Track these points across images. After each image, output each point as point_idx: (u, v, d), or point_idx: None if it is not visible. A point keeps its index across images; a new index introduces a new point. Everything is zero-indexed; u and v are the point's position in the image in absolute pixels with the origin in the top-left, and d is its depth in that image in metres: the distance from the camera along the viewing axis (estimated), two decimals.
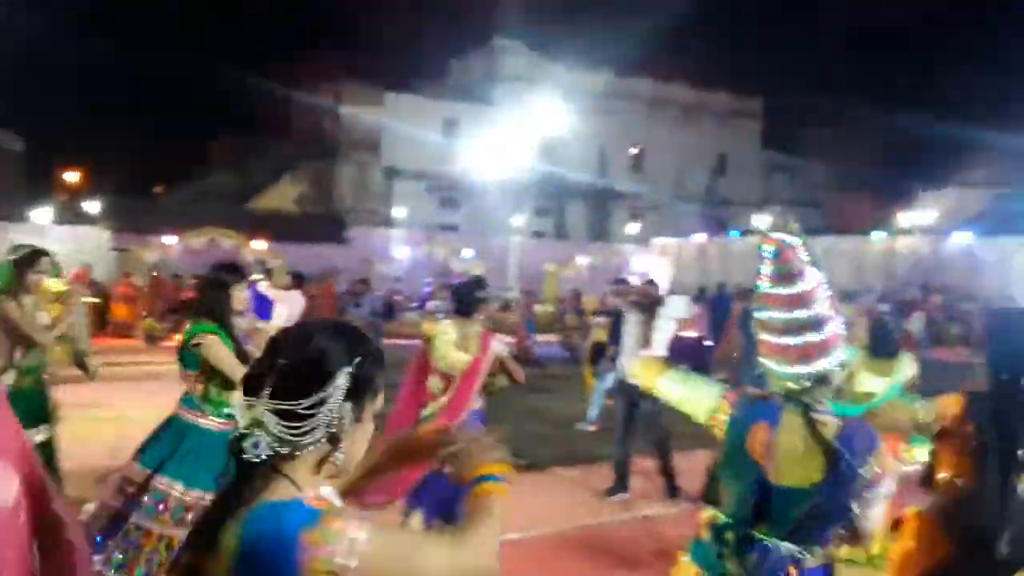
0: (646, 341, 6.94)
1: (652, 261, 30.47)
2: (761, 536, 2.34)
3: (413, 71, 38.06)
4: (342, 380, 1.48)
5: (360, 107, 35.29)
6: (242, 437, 1.44)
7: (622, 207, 39.96)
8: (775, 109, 44.08)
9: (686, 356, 7.09)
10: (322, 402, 1.45)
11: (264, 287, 10.23)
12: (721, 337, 12.58)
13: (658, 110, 40.82)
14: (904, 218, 28.32)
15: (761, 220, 32.42)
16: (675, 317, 7.21)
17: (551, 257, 25.72)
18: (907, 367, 4.88)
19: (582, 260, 25.43)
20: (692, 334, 12.35)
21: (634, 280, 11.78)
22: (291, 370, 1.46)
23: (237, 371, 3.89)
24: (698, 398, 2.59)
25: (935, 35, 54.77)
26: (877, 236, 26.52)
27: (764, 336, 2.45)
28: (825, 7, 51.70)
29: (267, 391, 1.44)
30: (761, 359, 2.46)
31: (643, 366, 2.89)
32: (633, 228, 36.52)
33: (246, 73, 33.06)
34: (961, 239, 24.59)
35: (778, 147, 45.13)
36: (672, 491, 6.85)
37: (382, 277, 23.09)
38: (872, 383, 4.73)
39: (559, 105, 37.41)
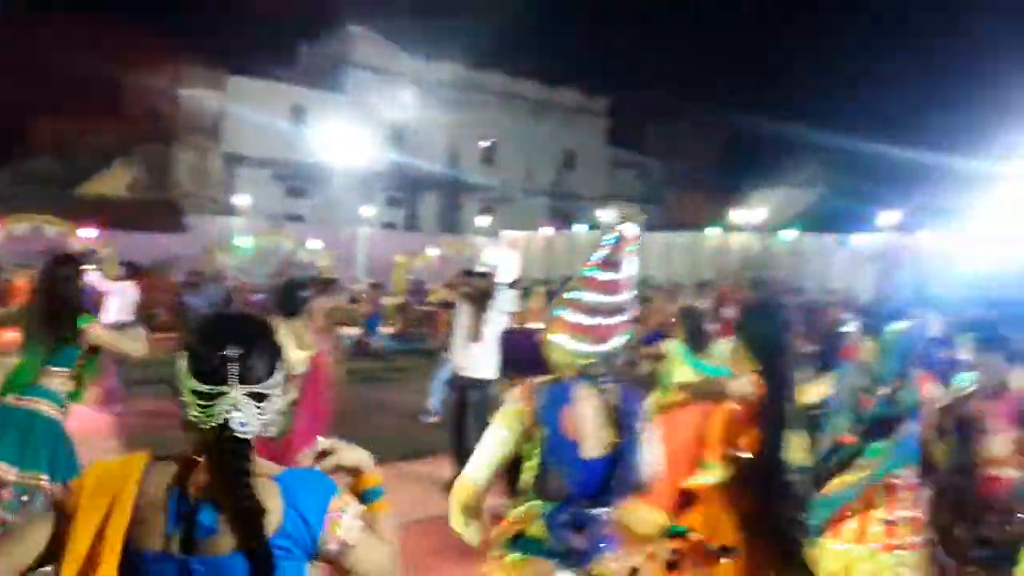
0: (477, 334, 6.89)
1: (502, 253, 30.80)
2: (587, 508, 2.48)
3: (259, 53, 36.74)
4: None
5: (200, 89, 33.74)
6: (225, 420, 1.60)
7: (473, 199, 40.17)
8: (621, 107, 45.50)
9: (520, 349, 7.13)
10: (280, 383, 1.70)
11: (96, 278, 9.60)
12: None
13: (509, 104, 41.24)
14: (736, 215, 29.85)
15: (606, 215, 33.39)
16: (507, 310, 7.22)
17: (401, 248, 25.48)
18: (722, 351, 5.11)
19: (433, 252, 25.34)
20: (534, 326, 12.60)
21: (486, 271, 11.83)
22: (255, 357, 1.65)
23: (132, 345, 4.45)
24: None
25: (770, 38, 57.92)
26: (711, 232, 27.82)
27: (569, 315, 2.60)
28: (670, 8, 53.77)
29: (235, 377, 1.61)
30: (554, 337, 2.59)
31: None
32: (484, 220, 36.79)
33: (74, 51, 30.90)
34: (788, 236, 26.16)
35: (623, 144, 46.58)
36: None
37: (223, 267, 22.21)
38: (688, 374, 5.02)
39: (411, 95, 37.23)
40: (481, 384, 6.84)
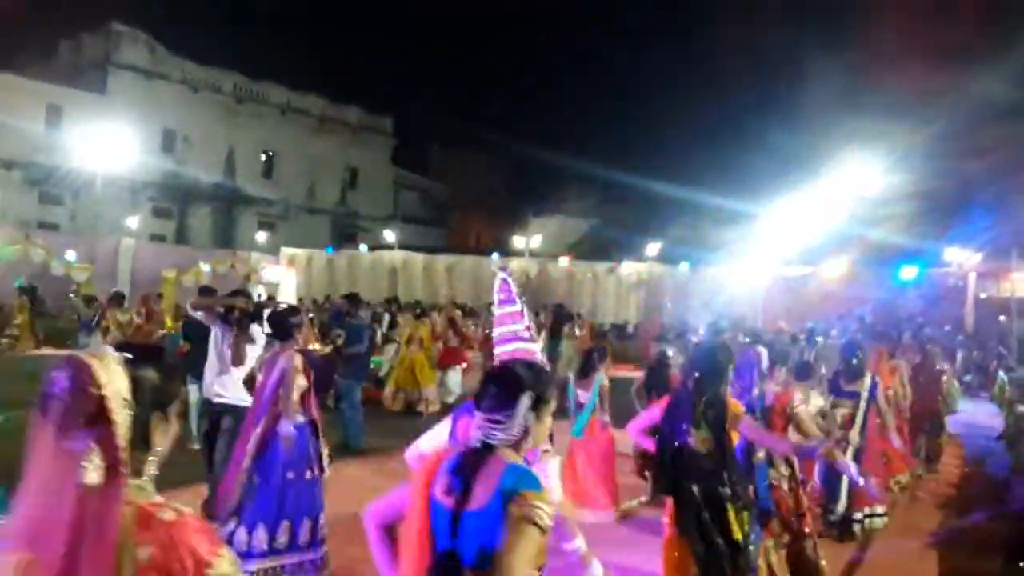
0: (239, 358, 6.41)
1: (280, 271, 29.80)
2: None
3: (15, 48, 33.42)
4: (526, 399, 2.18)
5: None
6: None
7: (251, 214, 38.63)
8: (406, 128, 45.75)
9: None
10: (517, 413, 2.16)
11: None
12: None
13: (291, 118, 40.20)
14: (517, 240, 30.77)
15: (389, 234, 33.29)
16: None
17: (171, 263, 23.96)
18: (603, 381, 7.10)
19: (205, 267, 24.02)
20: (318, 348, 12.27)
21: (260, 291, 11.39)
22: (498, 393, 2.19)
23: None
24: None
25: (554, 71, 60.42)
26: (494, 256, 28.49)
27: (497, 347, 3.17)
28: (457, 34, 54.84)
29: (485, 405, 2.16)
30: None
31: None
32: (262, 236, 35.49)
33: None
34: (563, 262, 27.32)
35: (408, 166, 46.79)
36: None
37: None
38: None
39: (183, 101, 35.31)
40: (238, 411, 6.19)
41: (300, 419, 5.03)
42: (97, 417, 1.61)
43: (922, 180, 24.11)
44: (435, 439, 3.22)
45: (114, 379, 1.65)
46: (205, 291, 9.99)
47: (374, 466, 8.50)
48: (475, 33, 58.07)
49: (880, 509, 6.72)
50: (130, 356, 1.75)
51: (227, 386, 6.40)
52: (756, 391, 4.49)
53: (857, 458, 7.27)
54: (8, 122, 29.11)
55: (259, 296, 24.47)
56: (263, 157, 40.09)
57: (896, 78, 26.63)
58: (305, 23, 35.24)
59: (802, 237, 22.38)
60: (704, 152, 34.97)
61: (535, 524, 1.95)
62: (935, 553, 6.55)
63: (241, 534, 4.77)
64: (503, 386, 2.18)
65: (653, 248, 27.37)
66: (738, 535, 3.48)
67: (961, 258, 22.12)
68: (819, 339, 13.56)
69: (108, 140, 26.04)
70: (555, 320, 18.15)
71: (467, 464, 2.09)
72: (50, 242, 24.36)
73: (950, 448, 10.77)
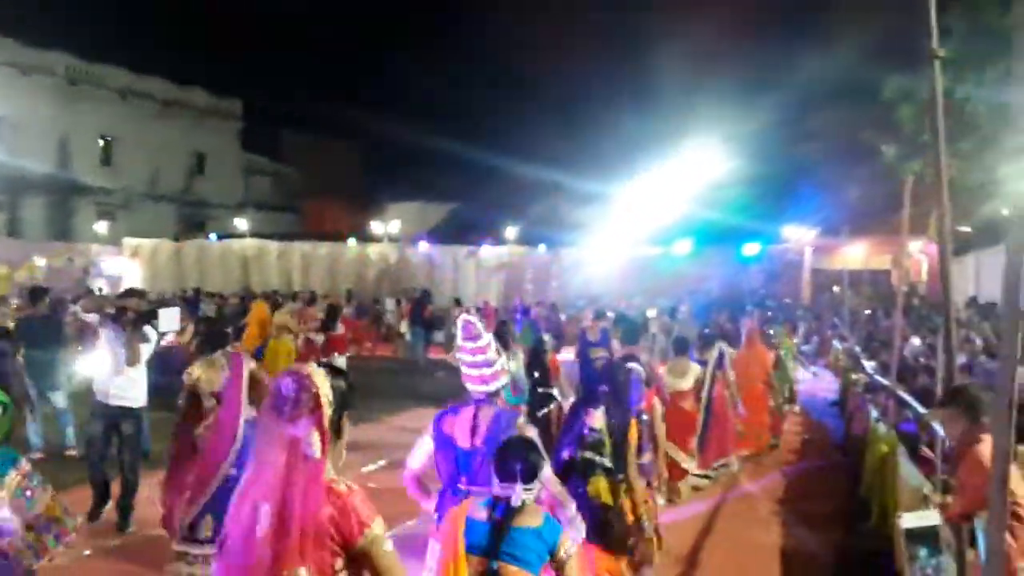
0: (133, 358, 6.42)
1: (123, 263, 28.34)
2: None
3: None
4: (547, 469, 3.22)
5: None
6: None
7: (89, 203, 36.36)
8: (254, 112, 44.16)
9: (174, 369, 6.78)
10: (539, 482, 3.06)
11: None
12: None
13: (131, 102, 38.02)
14: (376, 226, 30.43)
15: (240, 222, 32.21)
16: (168, 330, 6.88)
17: (3, 257, 22.36)
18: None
19: (41, 262, 22.56)
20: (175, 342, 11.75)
21: (101, 284, 10.84)
22: (530, 469, 2.98)
23: None
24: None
25: (406, 52, 59.76)
26: (351, 243, 28.10)
27: (465, 371, 3.79)
28: (307, 14, 53.35)
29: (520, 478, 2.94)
30: (466, 382, 3.79)
31: None
32: (102, 227, 33.55)
33: None
34: (422, 247, 27.25)
35: (258, 150, 45.28)
36: (124, 523, 6.33)
37: None
38: None
39: (10, 83, 32.79)
40: (135, 412, 6.51)
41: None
42: (315, 410, 2.25)
43: (760, 163, 25.54)
44: (421, 455, 3.74)
45: (323, 383, 2.30)
46: (37, 291, 9.45)
47: None
48: (324, 12, 56.70)
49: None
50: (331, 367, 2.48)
51: (124, 387, 6.43)
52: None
53: (705, 424, 7.91)
54: None
55: (99, 290, 23.25)
56: (101, 143, 37.76)
57: (733, 66, 27.97)
58: (145, 1, 33.40)
59: (652, 218, 23.24)
60: (559, 136, 35.58)
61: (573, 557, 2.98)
62: (779, 522, 6.99)
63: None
64: (531, 461, 2.99)
65: (512, 231, 27.69)
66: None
67: (798, 235, 23.56)
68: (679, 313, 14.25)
69: None
70: (417, 306, 18.12)
71: (504, 523, 2.91)
72: None
73: (791, 416, 11.50)
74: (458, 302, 20.41)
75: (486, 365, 3.75)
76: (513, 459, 2.97)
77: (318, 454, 2.23)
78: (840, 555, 6.20)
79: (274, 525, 2.18)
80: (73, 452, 8.42)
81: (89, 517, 6.24)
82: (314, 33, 57.68)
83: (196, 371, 5.31)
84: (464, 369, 3.80)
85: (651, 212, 23.17)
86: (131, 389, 6.47)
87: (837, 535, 6.63)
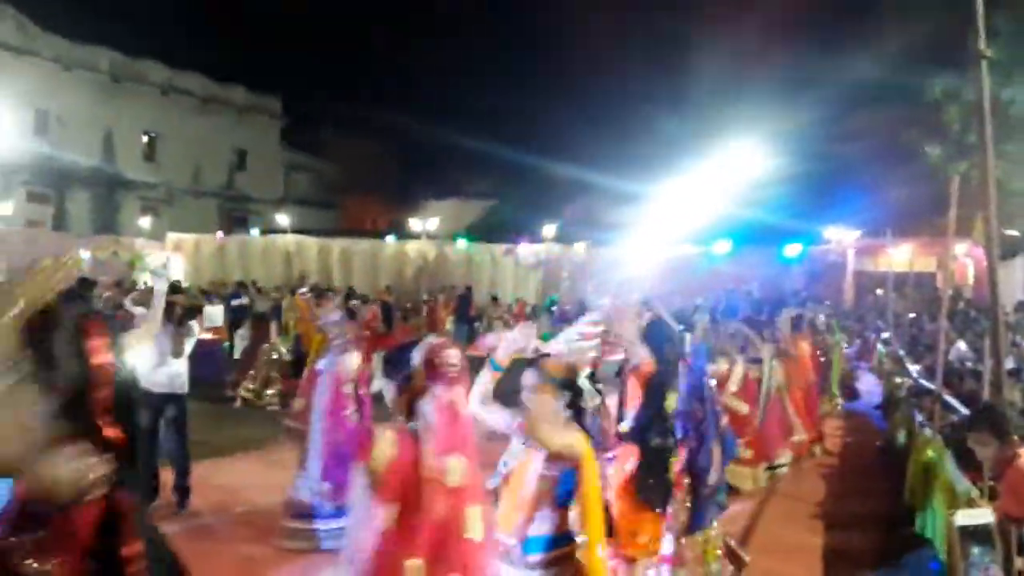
0: (179, 350, 6.95)
1: (167, 258, 28.75)
2: None
3: None
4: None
5: None
6: None
7: (134, 198, 37.01)
8: (295, 108, 44.54)
9: (207, 361, 7.20)
10: None
11: None
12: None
13: (173, 98, 38.60)
14: (414, 223, 30.58)
15: (282, 218, 32.57)
16: (213, 326, 7.24)
17: (49, 250, 22.79)
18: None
19: (86, 254, 22.94)
20: (212, 337, 11.97)
21: (145, 278, 11.08)
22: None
23: None
24: None
25: (447, 50, 59.96)
26: (390, 239, 28.27)
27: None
28: (345, 11, 53.65)
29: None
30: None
31: None
32: (145, 221, 34.11)
33: None
34: (460, 244, 27.35)
35: (298, 147, 45.68)
36: (183, 504, 6.86)
37: None
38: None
39: (56, 80, 33.46)
40: (180, 399, 7.01)
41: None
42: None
43: (802, 163, 25.23)
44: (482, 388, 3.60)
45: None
46: (84, 283, 9.76)
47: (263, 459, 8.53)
48: (364, 9, 57.09)
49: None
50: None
51: (168, 377, 6.93)
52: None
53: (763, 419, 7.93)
54: None
55: (144, 284, 23.66)
56: (144, 139, 38.40)
57: (776, 65, 27.66)
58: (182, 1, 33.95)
59: (691, 217, 23.07)
60: (598, 134, 35.49)
61: None
62: (821, 524, 6.96)
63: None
64: None
65: (550, 229, 27.69)
66: None
67: (840, 236, 23.26)
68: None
69: None
70: (462, 303, 18.21)
71: None
72: None
73: (830, 419, 11.41)
74: (495, 299, 20.48)
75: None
76: None
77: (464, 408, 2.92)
78: (882, 557, 6.15)
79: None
80: None
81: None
82: (352, 32, 58.01)
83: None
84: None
85: (690, 211, 23.01)
86: (176, 379, 6.97)
87: (878, 538, 6.58)
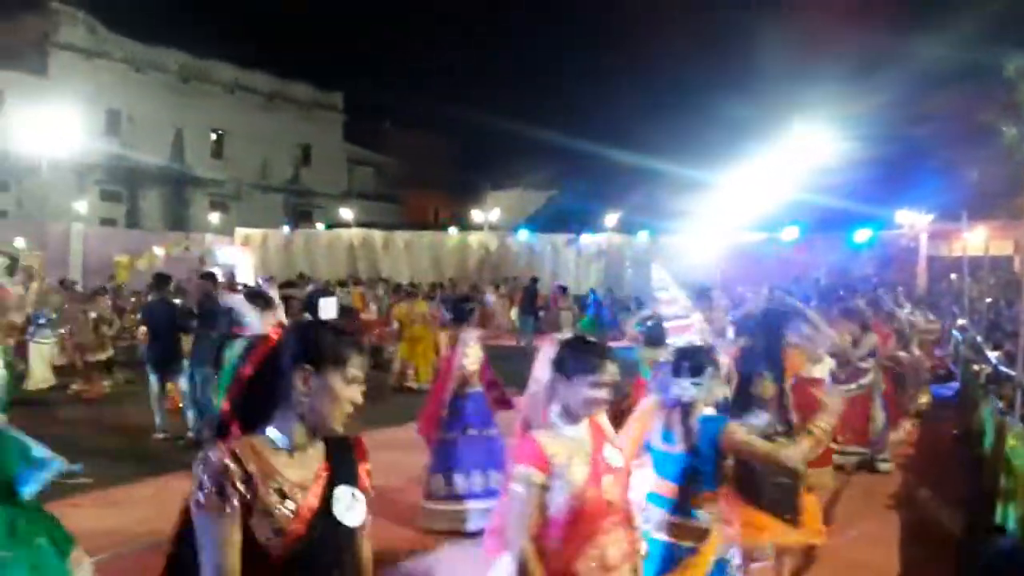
0: None
1: (235, 252, 29.37)
2: None
3: None
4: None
5: None
6: None
7: (202, 194, 37.97)
8: (356, 104, 45.13)
9: None
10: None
11: None
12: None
13: (239, 96, 39.45)
14: (475, 215, 30.70)
15: (346, 212, 32.99)
16: (328, 318, 7.38)
17: (123, 247, 23.52)
18: None
19: (159, 251, 23.60)
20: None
21: (217, 272, 11.28)
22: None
23: None
24: None
25: (505, 42, 59.98)
26: (452, 231, 28.45)
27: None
28: (405, 8, 54.14)
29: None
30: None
31: None
32: (215, 217, 34.93)
33: None
34: (522, 235, 27.37)
35: (360, 141, 46.27)
36: None
37: None
38: None
39: (127, 81, 34.45)
40: None
41: (478, 387, 6.07)
42: None
43: (873, 146, 24.53)
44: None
45: None
46: (161, 278, 9.92)
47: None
48: (425, 5, 57.38)
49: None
50: None
51: None
52: None
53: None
54: None
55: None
56: (212, 136, 39.36)
57: (844, 46, 26.94)
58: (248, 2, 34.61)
59: (757, 204, 22.64)
60: (660, 121, 35.19)
61: None
62: (895, 512, 6.78)
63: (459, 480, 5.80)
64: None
65: (612, 218, 27.51)
66: None
67: (912, 220, 22.57)
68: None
69: (51, 123, 25.40)
70: (528, 294, 18.19)
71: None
72: None
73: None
74: (564, 290, 20.43)
75: (677, 317, 4.08)
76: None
77: None
78: (959, 547, 5.97)
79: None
80: (191, 435, 8.58)
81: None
82: (412, 28, 58.42)
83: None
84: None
85: (756, 198, 22.57)
86: None
87: (955, 527, 6.40)
